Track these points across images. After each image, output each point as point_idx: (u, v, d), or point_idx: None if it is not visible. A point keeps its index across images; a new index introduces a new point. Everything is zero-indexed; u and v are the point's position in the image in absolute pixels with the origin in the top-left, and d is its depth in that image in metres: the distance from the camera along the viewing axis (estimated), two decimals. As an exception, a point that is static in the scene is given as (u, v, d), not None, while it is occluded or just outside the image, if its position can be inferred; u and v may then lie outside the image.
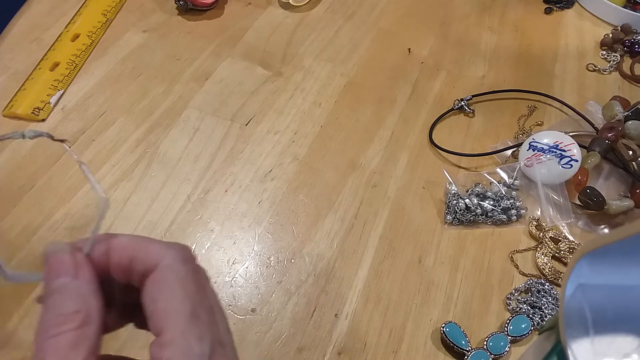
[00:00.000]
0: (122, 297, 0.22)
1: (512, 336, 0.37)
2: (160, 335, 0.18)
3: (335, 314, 0.38)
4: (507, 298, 0.40)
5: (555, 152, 0.45)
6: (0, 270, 0.20)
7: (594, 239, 0.23)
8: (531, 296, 0.40)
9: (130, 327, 0.23)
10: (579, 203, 0.44)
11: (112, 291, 0.21)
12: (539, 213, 0.45)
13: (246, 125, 0.49)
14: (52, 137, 0.23)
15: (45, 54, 0.53)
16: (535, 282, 0.40)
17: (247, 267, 0.40)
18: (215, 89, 0.52)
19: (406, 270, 0.41)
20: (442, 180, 0.46)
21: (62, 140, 0.24)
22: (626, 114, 0.49)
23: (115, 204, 0.42)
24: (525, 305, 0.39)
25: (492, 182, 0.46)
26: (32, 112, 0.47)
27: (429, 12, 0.64)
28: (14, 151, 0.45)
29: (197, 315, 0.19)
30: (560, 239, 0.43)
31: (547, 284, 0.40)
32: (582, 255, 0.24)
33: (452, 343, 0.36)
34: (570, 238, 0.43)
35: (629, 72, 0.59)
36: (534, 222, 0.44)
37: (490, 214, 0.43)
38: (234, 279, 0.39)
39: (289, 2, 0.62)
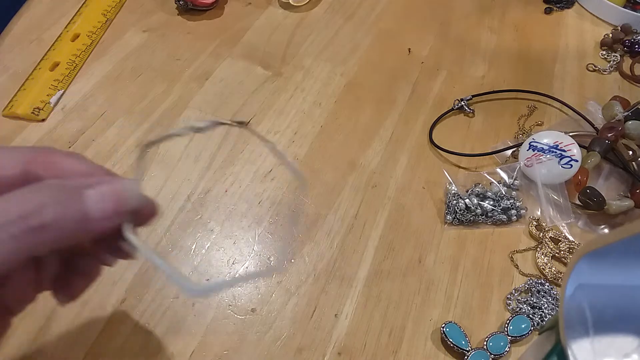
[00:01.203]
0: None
1: (512, 336, 0.37)
2: None
3: (335, 314, 0.38)
4: (507, 298, 0.40)
5: (555, 152, 0.45)
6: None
7: (594, 239, 0.23)
8: (531, 296, 0.40)
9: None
10: (579, 203, 0.44)
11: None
12: (539, 213, 0.45)
13: (246, 125, 0.49)
14: (227, 123, 0.24)
15: (45, 54, 0.53)
16: (535, 282, 0.40)
17: (247, 267, 0.40)
18: (215, 89, 0.52)
19: (406, 270, 0.41)
20: (442, 180, 0.46)
21: (242, 123, 0.24)
22: (626, 114, 0.49)
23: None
24: (525, 305, 0.39)
25: (492, 182, 0.46)
26: (32, 112, 0.48)
27: (429, 12, 0.64)
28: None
29: None
30: (560, 239, 0.43)
31: (547, 284, 0.40)
32: (582, 256, 0.24)
33: (452, 343, 0.36)
34: (570, 238, 0.43)
35: (629, 72, 0.59)
36: (534, 222, 0.44)
37: (490, 214, 0.43)
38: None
39: (289, 2, 0.62)
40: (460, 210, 0.43)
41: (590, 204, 0.43)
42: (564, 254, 0.42)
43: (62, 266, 0.24)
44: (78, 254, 0.24)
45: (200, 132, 0.23)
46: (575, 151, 0.45)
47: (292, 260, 0.40)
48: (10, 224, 0.18)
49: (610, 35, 0.62)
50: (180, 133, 0.23)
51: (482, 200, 0.44)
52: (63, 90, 0.50)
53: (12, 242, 0.18)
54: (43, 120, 0.48)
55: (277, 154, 0.23)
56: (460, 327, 0.37)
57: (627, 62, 0.60)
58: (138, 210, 0.22)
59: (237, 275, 0.19)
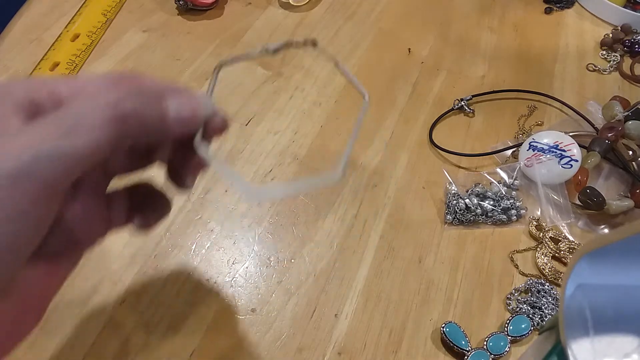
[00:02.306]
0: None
1: (512, 336, 0.37)
2: None
3: (335, 314, 0.38)
4: (507, 298, 0.40)
5: (555, 152, 0.45)
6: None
7: (594, 239, 0.23)
8: (531, 296, 0.40)
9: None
10: (579, 203, 0.44)
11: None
12: (539, 213, 0.45)
13: (246, 125, 0.49)
14: (299, 42, 0.24)
15: (45, 54, 0.53)
16: (535, 282, 0.40)
17: (247, 267, 0.40)
18: (215, 89, 0.52)
19: (406, 270, 0.41)
20: (442, 180, 0.46)
21: (312, 43, 0.24)
22: (626, 114, 0.49)
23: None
24: (525, 305, 0.39)
25: (492, 182, 0.46)
26: (32, 112, 0.47)
27: (429, 12, 0.64)
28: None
29: None
30: (560, 239, 0.43)
31: (547, 284, 0.40)
32: (582, 255, 0.24)
33: (452, 343, 0.36)
34: (570, 238, 0.43)
35: (629, 72, 0.59)
36: (534, 222, 0.44)
37: (490, 214, 0.43)
38: (234, 279, 0.39)
39: (289, 2, 0.62)
40: (460, 210, 0.43)
41: (590, 204, 0.43)
42: (564, 254, 0.42)
43: (133, 203, 0.26)
44: (150, 192, 0.26)
45: (273, 54, 0.24)
46: (575, 151, 0.45)
47: (292, 260, 0.40)
48: (103, 108, 0.19)
49: (610, 35, 0.62)
50: (254, 55, 0.24)
51: (482, 200, 0.44)
52: (63, 90, 0.50)
53: (106, 126, 0.19)
54: (43, 120, 0.48)
55: (341, 70, 0.24)
56: (460, 327, 0.37)
57: (627, 62, 0.60)
58: (210, 120, 0.24)
59: (295, 182, 0.21)
